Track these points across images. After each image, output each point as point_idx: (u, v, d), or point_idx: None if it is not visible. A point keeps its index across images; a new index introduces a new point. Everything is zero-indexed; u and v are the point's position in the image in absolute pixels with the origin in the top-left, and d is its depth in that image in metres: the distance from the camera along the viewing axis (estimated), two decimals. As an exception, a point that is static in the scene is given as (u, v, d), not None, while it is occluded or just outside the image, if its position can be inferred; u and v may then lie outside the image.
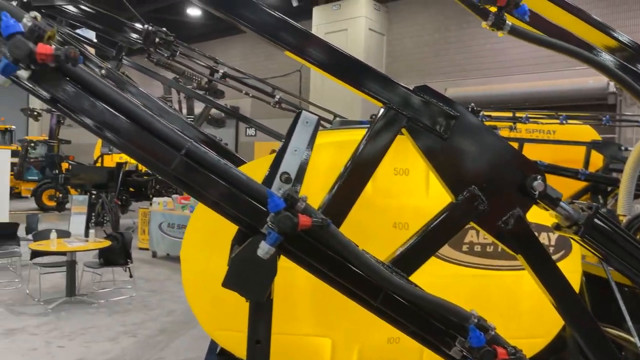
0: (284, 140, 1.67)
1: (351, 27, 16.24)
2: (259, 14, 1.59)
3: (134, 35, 5.06)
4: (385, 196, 2.23)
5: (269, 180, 1.60)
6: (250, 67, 20.69)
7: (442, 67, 15.33)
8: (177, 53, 5.11)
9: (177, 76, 5.65)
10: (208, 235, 2.25)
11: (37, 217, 9.83)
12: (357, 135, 2.69)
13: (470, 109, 5.69)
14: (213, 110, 6.17)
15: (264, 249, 1.26)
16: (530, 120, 6.17)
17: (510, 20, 1.63)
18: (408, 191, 2.29)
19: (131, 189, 14.35)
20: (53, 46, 1.13)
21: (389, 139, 1.55)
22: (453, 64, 15.11)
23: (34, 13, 1.15)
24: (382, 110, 1.58)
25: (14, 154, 16.23)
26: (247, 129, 21.05)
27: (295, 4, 17.65)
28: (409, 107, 1.54)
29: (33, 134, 26.41)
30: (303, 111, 1.68)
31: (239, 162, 3.82)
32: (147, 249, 11.30)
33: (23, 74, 1.13)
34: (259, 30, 1.60)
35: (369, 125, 2.87)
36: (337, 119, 4.78)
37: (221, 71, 5.09)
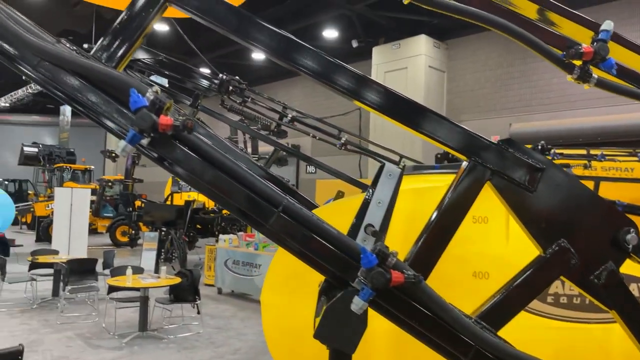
0: (367, 191, 1.72)
1: (411, 65, 16.37)
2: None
3: (204, 81, 5.39)
4: (464, 244, 2.22)
5: (353, 231, 1.65)
6: (311, 106, 21.26)
7: (505, 102, 15.05)
8: (249, 99, 5.37)
9: (245, 119, 5.93)
10: (288, 280, 2.31)
11: (113, 252, 10.38)
12: (433, 181, 2.71)
13: (540, 147, 5.55)
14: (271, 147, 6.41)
15: (357, 304, 1.29)
16: (607, 158, 5.90)
17: (596, 72, 1.62)
18: (487, 239, 2.26)
19: (198, 226, 14.89)
20: (171, 117, 1.26)
21: (474, 192, 1.57)
22: (517, 99, 14.80)
23: (155, 87, 1.29)
24: (465, 163, 1.60)
25: (92, 192, 17.38)
26: (308, 167, 21.44)
27: (355, 44, 18.09)
28: (493, 160, 1.56)
29: (108, 173, 28.18)
30: (386, 164, 1.73)
31: (310, 206, 3.92)
32: (212, 285, 11.58)
33: (144, 141, 1.27)
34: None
35: (441, 170, 2.88)
36: (409, 163, 4.81)
37: (290, 115, 5.30)
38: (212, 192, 1.38)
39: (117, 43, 1.49)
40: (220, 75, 5.25)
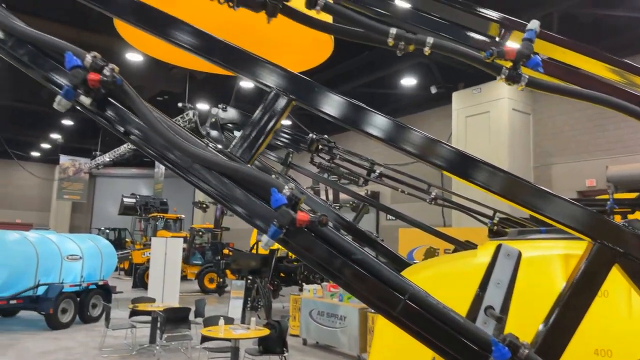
0: (485, 273, 1.71)
1: (493, 109, 16.02)
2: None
3: (295, 140, 5.63)
4: (585, 320, 2.11)
5: (472, 312, 1.64)
6: (391, 153, 21.29)
7: (600, 143, 14.18)
8: (337, 157, 5.53)
9: (333, 175, 6.09)
10: (398, 355, 2.30)
11: (204, 301, 10.80)
12: (543, 248, 2.62)
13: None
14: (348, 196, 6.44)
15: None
16: None
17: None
18: (609, 315, 2.14)
19: (282, 274, 15.16)
20: (307, 213, 1.38)
21: (602, 275, 1.52)
22: (613, 139, 13.91)
23: (291, 184, 1.42)
24: (589, 245, 1.55)
25: (183, 240, 18.36)
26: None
27: (434, 91, 18.09)
28: (621, 242, 1.51)
29: (196, 222, 29.70)
30: (503, 245, 1.72)
31: (395, 258, 3.90)
32: (297, 336, 11.60)
33: (281, 235, 1.39)
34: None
35: (550, 235, 2.76)
36: (513, 228, 4.66)
37: (378, 171, 5.39)
38: (341, 279, 1.45)
39: (250, 140, 1.65)
40: (310, 134, 5.47)
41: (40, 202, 33.79)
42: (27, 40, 1.63)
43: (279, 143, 5.56)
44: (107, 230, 29.45)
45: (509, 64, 1.69)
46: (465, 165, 1.68)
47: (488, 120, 16.12)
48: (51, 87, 1.60)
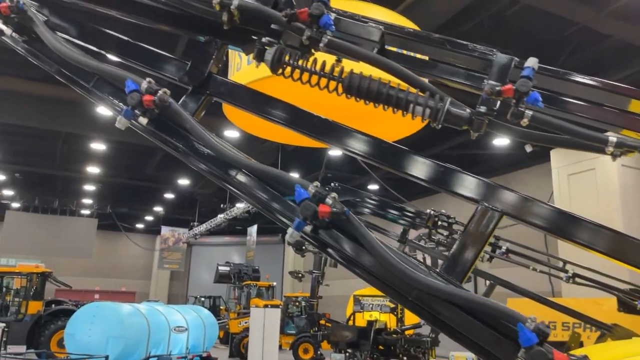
0: None
1: (599, 166, 14.98)
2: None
3: (412, 216, 5.54)
4: None
5: None
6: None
7: None
8: (457, 232, 5.36)
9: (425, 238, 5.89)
10: None
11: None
12: None
13: None
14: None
15: None
16: None
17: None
18: None
19: (381, 347, 14.56)
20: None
21: None
22: None
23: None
24: None
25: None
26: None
27: (529, 149, 17.38)
28: None
29: (286, 289, 29.92)
30: None
31: None
32: (403, 415, 10.93)
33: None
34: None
35: None
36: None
37: (504, 247, 5.13)
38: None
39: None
40: (428, 210, 5.39)
41: (143, 271, 35.88)
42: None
43: (397, 220, 5.51)
44: (203, 299, 30.37)
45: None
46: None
47: (594, 178, 15.09)
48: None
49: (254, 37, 1.87)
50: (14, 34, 1.87)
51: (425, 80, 1.61)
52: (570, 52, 12.64)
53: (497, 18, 12.02)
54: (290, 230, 1.50)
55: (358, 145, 1.82)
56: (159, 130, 1.77)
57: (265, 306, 21.96)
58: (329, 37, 1.57)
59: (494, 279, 5.74)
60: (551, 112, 1.78)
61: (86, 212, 28.49)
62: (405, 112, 1.57)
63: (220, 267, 26.83)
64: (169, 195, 28.32)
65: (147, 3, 1.96)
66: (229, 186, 1.74)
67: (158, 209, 31.09)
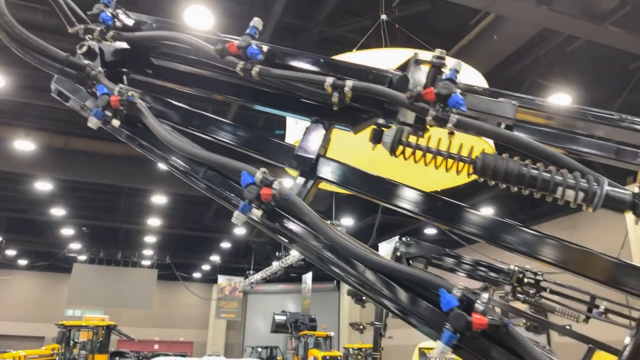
0: None
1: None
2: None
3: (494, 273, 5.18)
4: None
5: None
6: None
7: None
8: (547, 289, 4.96)
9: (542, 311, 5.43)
10: None
11: None
12: None
13: None
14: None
15: None
16: None
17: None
18: None
19: (451, 404, 13.70)
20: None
21: None
22: None
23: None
24: None
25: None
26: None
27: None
28: None
29: (343, 339, 29.11)
30: None
31: None
32: None
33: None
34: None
35: None
36: None
37: (602, 306, 4.66)
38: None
39: None
40: (511, 266, 5.04)
41: (200, 320, 36.08)
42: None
43: (474, 276, 5.19)
44: (260, 349, 29.99)
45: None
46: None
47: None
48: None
49: (364, 115, 1.77)
50: (121, 126, 1.87)
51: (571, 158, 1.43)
52: (634, 86, 12.13)
53: (555, 54, 11.73)
54: (440, 346, 1.34)
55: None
56: (274, 223, 1.69)
57: (324, 357, 21.38)
58: (457, 116, 1.44)
59: (593, 343, 5.22)
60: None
61: (146, 262, 29.25)
62: (551, 196, 1.40)
63: (276, 317, 26.52)
64: (225, 244, 28.69)
65: (251, 87, 1.92)
66: (354, 282, 1.63)
67: (214, 258, 31.52)
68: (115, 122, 1.88)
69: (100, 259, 28.12)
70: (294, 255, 25.24)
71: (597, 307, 4.77)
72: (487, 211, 18.78)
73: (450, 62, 1.53)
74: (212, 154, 1.78)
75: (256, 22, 1.83)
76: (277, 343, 29.71)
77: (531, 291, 5.08)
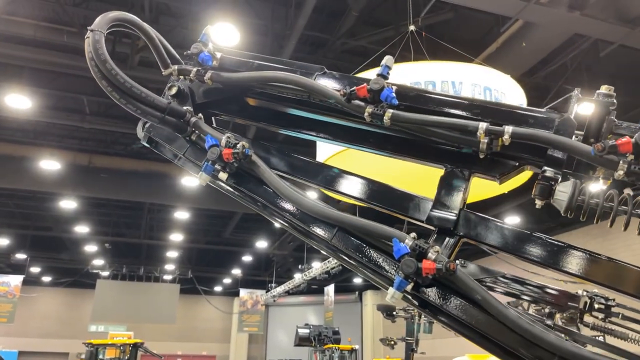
0: None
1: None
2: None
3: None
4: None
5: None
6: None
7: None
8: (619, 315, 4.69)
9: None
10: None
11: None
12: None
13: None
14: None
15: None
16: None
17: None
18: None
19: (485, 422, 13.27)
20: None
21: None
22: None
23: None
24: None
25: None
26: None
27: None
28: None
29: (367, 352, 28.67)
30: None
31: None
32: None
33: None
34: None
35: None
36: None
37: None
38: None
39: None
40: (579, 291, 4.77)
41: (222, 334, 35.95)
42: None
43: (538, 302, 4.91)
44: (284, 362, 29.70)
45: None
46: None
47: None
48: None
49: (513, 163, 1.57)
50: (229, 179, 1.69)
51: None
52: (668, 91, 11.74)
53: (585, 59, 11.42)
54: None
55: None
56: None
57: (350, 372, 21.01)
58: None
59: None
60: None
61: (168, 277, 29.27)
62: None
63: (300, 330, 26.22)
64: (247, 258, 28.59)
65: (380, 132, 1.72)
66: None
67: (236, 271, 31.42)
68: (223, 176, 1.71)
69: (123, 275, 28.22)
70: (317, 267, 25.00)
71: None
72: (514, 220, 18.34)
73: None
74: (344, 214, 1.58)
75: (388, 60, 1.65)
76: (299, 356, 29.37)
77: (600, 316, 4.80)
